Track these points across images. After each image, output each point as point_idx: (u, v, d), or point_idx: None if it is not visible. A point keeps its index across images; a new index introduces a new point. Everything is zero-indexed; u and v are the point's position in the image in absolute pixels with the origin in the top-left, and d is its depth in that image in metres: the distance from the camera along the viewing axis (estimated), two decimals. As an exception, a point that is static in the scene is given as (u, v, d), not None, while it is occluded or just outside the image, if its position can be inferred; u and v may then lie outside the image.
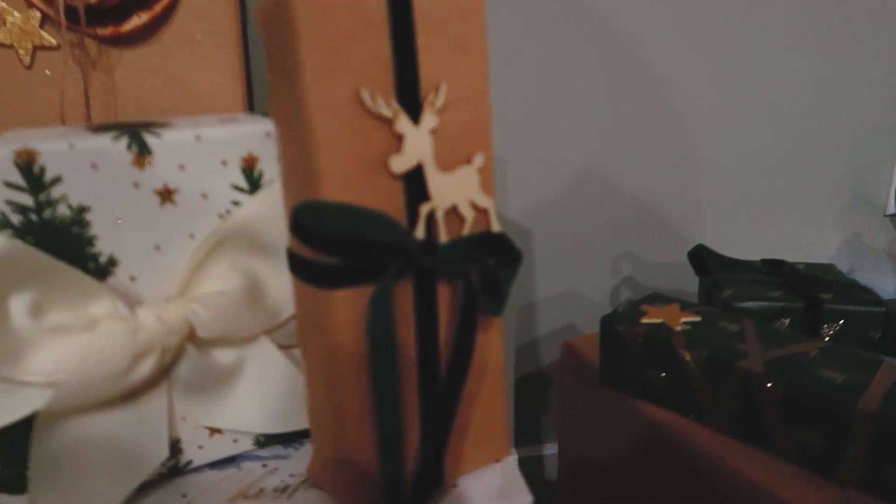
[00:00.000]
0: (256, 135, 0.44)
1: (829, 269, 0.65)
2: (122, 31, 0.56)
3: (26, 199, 0.38)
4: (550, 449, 0.92)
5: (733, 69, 0.84)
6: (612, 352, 0.59)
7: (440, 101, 0.39)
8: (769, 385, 0.48)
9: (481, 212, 0.42)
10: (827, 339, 0.59)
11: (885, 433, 0.43)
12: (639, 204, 0.86)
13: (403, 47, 0.38)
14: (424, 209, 0.40)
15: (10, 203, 0.38)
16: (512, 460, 0.48)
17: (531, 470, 0.94)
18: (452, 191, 0.41)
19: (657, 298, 0.62)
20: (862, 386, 0.46)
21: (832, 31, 0.83)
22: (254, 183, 0.45)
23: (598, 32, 0.79)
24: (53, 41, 0.56)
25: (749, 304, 0.60)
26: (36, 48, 0.56)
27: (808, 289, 0.60)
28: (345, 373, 0.39)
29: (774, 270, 0.65)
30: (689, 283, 0.79)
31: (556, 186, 0.84)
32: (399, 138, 0.39)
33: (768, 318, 0.59)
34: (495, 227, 0.42)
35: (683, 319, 0.57)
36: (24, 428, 0.39)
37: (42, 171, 0.38)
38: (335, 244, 0.37)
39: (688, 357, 0.53)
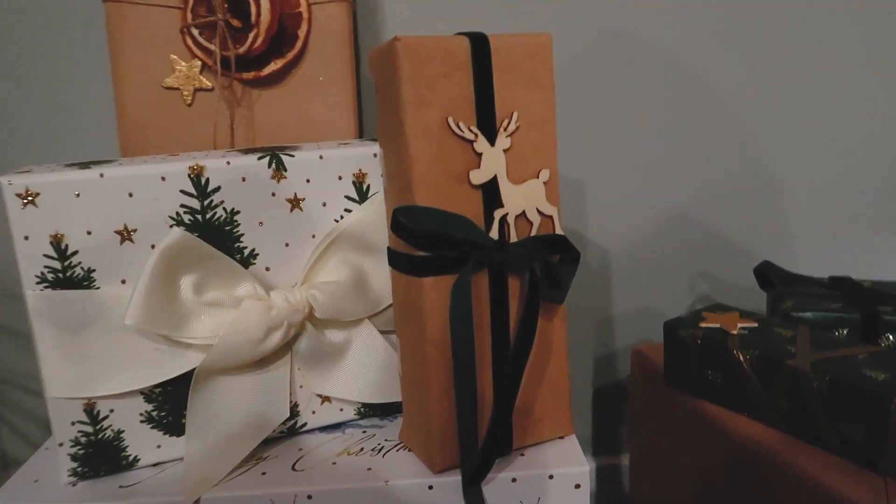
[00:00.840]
0: (366, 155, 0.55)
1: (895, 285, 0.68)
2: (262, 75, 0.69)
3: (195, 204, 0.50)
4: (628, 460, 0.97)
5: (806, 89, 0.87)
6: (673, 354, 0.65)
7: (512, 127, 0.48)
8: (815, 382, 0.53)
9: (547, 217, 0.51)
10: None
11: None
12: (715, 225, 0.90)
13: (483, 83, 0.48)
14: (498, 214, 0.48)
15: (183, 206, 0.50)
16: (573, 438, 0.54)
17: (609, 479, 0.98)
18: (522, 199, 0.49)
19: (720, 308, 0.67)
20: (905, 385, 0.50)
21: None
22: (363, 194, 0.55)
23: (673, 65, 0.85)
24: (209, 84, 0.69)
25: (806, 314, 0.63)
26: (196, 90, 0.70)
27: (867, 301, 0.63)
28: (431, 348, 0.48)
29: (839, 286, 0.68)
30: (763, 303, 0.82)
31: (634, 208, 0.90)
32: (478, 156, 0.48)
33: (825, 328, 0.63)
34: (558, 230, 0.51)
35: (740, 325, 0.62)
36: (185, 382, 0.51)
37: (207, 182, 0.50)
38: (425, 240, 0.46)
39: (741, 357, 0.58)
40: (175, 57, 0.69)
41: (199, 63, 0.69)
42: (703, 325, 0.62)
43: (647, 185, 0.89)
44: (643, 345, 0.74)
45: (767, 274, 0.71)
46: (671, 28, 0.85)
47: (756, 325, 0.62)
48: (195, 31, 0.67)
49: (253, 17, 0.66)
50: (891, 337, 0.61)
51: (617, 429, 0.98)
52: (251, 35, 0.67)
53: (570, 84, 0.86)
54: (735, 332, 0.61)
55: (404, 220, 0.46)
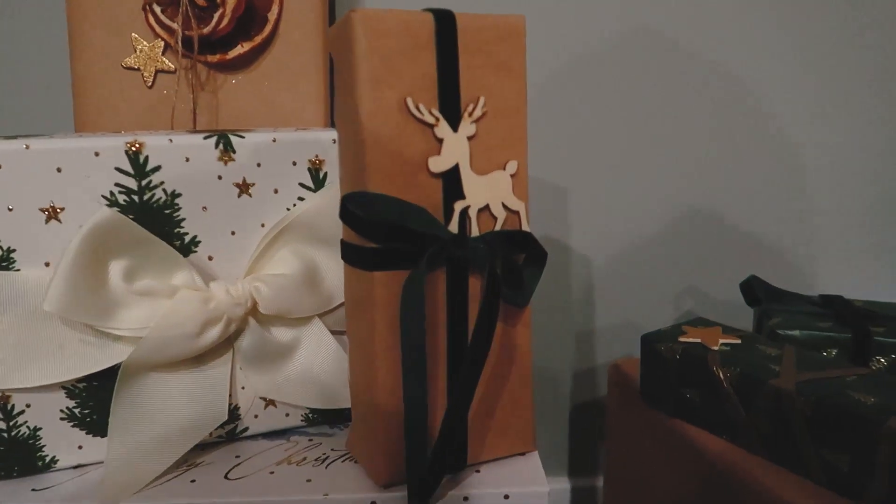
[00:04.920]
0: (325, 141, 0.51)
1: (890, 306, 0.64)
2: (228, 59, 0.65)
3: (131, 183, 0.46)
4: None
5: (798, 102, 0.84)
6: (651, 369, 0.60)
7: (478, 112, 0.45)
8: (799, 404, 0.49)
9: (513, 213, 0.47)
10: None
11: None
12: (704, 239, 0.87)
13: (447, 65, 0.44)
14: (458, 206, 0.44)
15: (118, 185, 0.46)
16: (534, 455, 0.50)
17: (585, 501, 0.94)
18: (485, 192, 0.45)
19: (702, 322, 0.63)
20: (893, 409, 0.46)
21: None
22: (319, 183, 0.51)
23: (666, 74, 0.82)
24: (172, 66, 0.66)
25: (794, 332, 0.59)
26: (157, 72, 0.66)
27: (859, 321, 0.59)
28: (379, 348, 0.44)
29: (829, 304, 0.64)
30: (751, 323, 0.78)
31: (620, 219, 0.86)
32: (439, 142, 0.44)
33: (814, 347, 0.59)
34: (525, 228, 0.47)
35: (722, 341, 0.57)
36: (113, 378, 0.46)
37: (146, 160, 0.46)
38: (377, 230, 0.42)
39: (721, 375, 0.54)
40: (136, 36, 0.65)
41: (162, 43, 0.65)
42: (682, 339, 0.58)
43: (634, 195, 0.85)
44: (621, 359, 0.70)
45: (754, 289, 0.67)
46: (665, 34, 0.82)
47: (739, 341, 0.58)
48: (157, 9, 0.63)
49: (219, -4, 0.62)
50: (882, 360, 0.57)
51: (595, 448, 0.93)
52: (216, 15, 0.63)
53: (557, 88, 0.83)
54: (716, 347, 0.56)
55: (353, 208, 0.42)
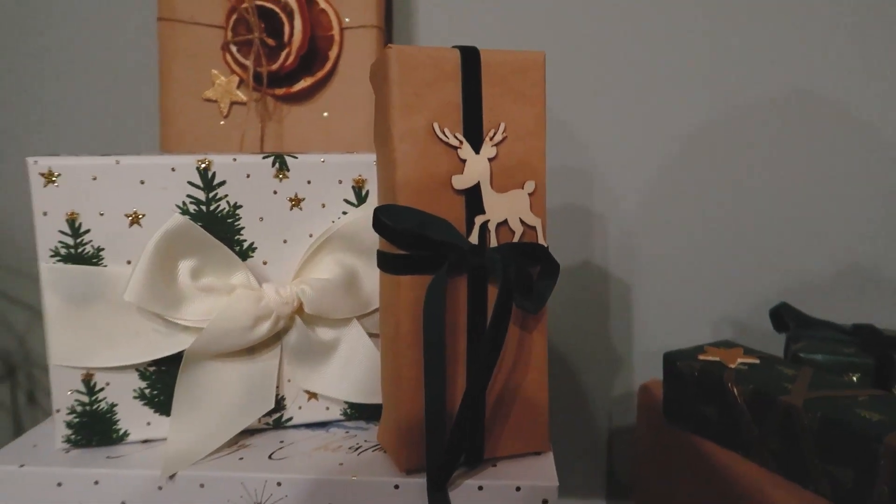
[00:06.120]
0: (366, 162, 0.57)
1: (921, 335, 0.64)
2: (292, 91, 0.73)
3: (200, 195, 0.53)
4: None
5: (832, 135, 0.85)
6: (672, 386, 0.63)
7: (498, 137, 0.50)
8: (806, 420, 0.50)
9: (530, 228, 0.51)
10: (900, 397, 0.58)
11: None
12: (743, 268, 0.88)
13: (471, 94, 0.49)
14: (479, 220, 0.50)
15: (189, 196, 0.53)
16: (549, 455, 0.54)
17: (623, 527, 0.94)
18: (504, 208, 0.50)
19: (725, 343, 0.65)
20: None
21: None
22: (361, 199, 0.57)
23: (698, 101, 0.85)
24: (244, 98, 0.74)
25: (816, 356, 0.61)
26: (232, 103, 0.75)
27: (883, 347, 0.60)
28: (404, 345, 0.49)
29: (858, 332, 0.65)
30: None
31: (659, 245, 0.89)
32: (462, 162, 0.49)
33: (836, 372, 0.60)
34: (541, 242, 0.51)
35: (741, 360, 0.59)
36: (176, 363, 0.54)
37: (213, 175, 0.54)
38: (403, 239, 0.48)
39: (735, 391, 0.56)
40: (216, 72, 0.74)
41: (237, 79, 0.74)
42: (702, 357, 0.61)
43: (675, 222, 0.88)
44: (650, 381, 0.72)
45: (783, 316, 0.69)
46: (683, 67, 0.85)
47: (758, 361, 0.60)
48: (234, 49, 0.72)
49: (286, 37, 0.71)
50: (903, 385, 0.58)
51: (631, 471, 0.94)
52: (283, 53, 0.71)
53: (600, 115, 0.87)
54: (733, 365, 0.59)
55: (385, 219, 0.48)
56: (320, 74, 0.74)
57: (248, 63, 0.71)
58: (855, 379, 0.60)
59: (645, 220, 0.89)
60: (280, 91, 0.74)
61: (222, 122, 0.75)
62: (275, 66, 0.71)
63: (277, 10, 0.70)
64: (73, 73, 0.89)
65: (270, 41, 0.71)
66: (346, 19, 0.74)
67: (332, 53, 0.74)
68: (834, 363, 0.60)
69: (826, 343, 0.64)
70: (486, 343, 0.47)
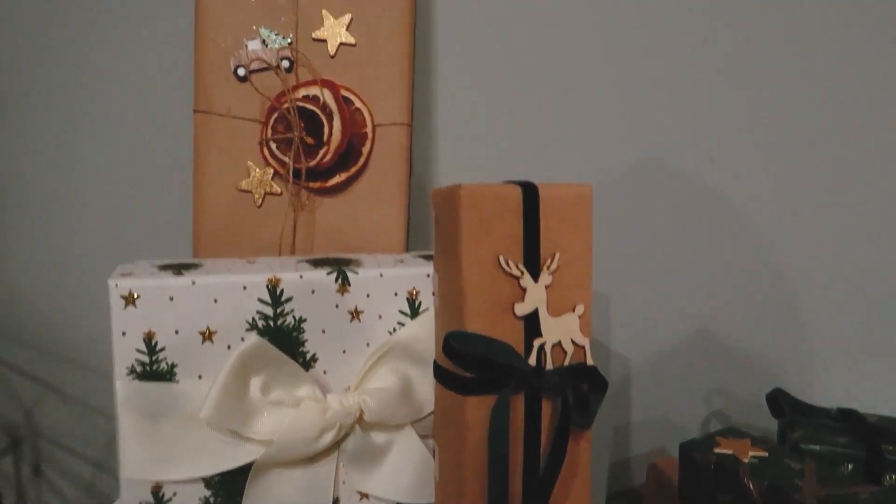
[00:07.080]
0: (420, 275, 0.61)
1: (900, 422, 0.72)
2: (327, 186, 0.77)
3: (269, 311, 0.56)
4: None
5: (832, 209, 0.93)
6: (688, 474, 0.69)
7: (554, 266, 0.55)
8: (820, 518, 0.57)
9: (579, 348, 0.56)
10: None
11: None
12: (736, 342, 0.95)
13: (531, 227, 0.54)
14: (537, 343, 0.54)
15: (259, 312, 0.56)
16: (592, 553, 0.58)
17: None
18: (558, 331, 0.55)
19: (732, 432, 0.71)
20: (903, 529, 0.54)
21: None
22: (414, 310, 0.61)
23: (700, 183, 0.92)
24: (279, 190, 0.77)
25: (815, 446, 0.68)
26: (266, 194, 0.77)
27: (872, 438, 0.67)
28: (469, 459, 0.53)
29: (846, 418, 0.73)
30: (774, 424, 0.86)
31: (657, 322, 0.95)
32: (523, 291, 0.54)
33: (832, 462, 0.67)
34: (589, 360, 0.56)
35: (752, 453, 0.66)
36: (240, 472, 0.56)
37: (281, 292, 0.57)
38: (472, 363, 0.52)
39: (751, 486, 0.62)
40: (251, 164, 0.77)
41: (272, 170, 0.77)
42: (716, 450, 0.67)
43: (671, 298, 0.95)
44: (660, 461, 0.78)
45: (779, 402, 0.76)
46: (690, 147, 0.93)
47: (766, 454, 0.66)
48: (273, 145, 0.75)
49: (325, 136, 0.74)
50: (894, 477, 0.65)
51: (628, 535, 1.00)
52: (322, 151, 0.75)
53: (600, 205, 0.93)
54: (746, 460, 0.65)
55: (455, 344, 0.52)
56: (354, 170, 0.77)
57: (288, 160, 0.74)
58: (850, 468, 0.67)
59: (646, 298, 0.95)
60: (315, 185, 0.77)
61: (256, 211, 0.77)
62: (312, 163, 0.75)
63: (317, 110, 0.74)
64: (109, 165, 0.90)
65: (310, 140, 0.74)
66: (379, 118, 0.77)
67: (365, 150, 0.77)
68: (831, 454, 0.67)
69: (821, 432, 0.71)
70: (549, 463, 0.52)
